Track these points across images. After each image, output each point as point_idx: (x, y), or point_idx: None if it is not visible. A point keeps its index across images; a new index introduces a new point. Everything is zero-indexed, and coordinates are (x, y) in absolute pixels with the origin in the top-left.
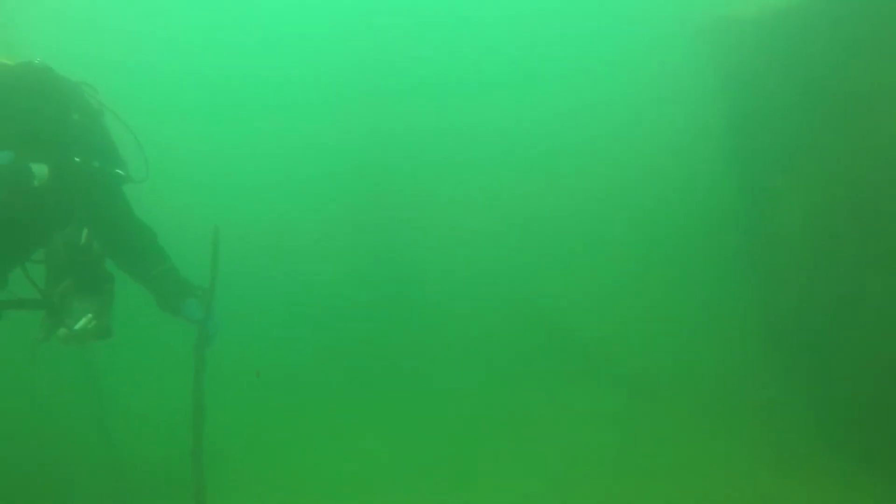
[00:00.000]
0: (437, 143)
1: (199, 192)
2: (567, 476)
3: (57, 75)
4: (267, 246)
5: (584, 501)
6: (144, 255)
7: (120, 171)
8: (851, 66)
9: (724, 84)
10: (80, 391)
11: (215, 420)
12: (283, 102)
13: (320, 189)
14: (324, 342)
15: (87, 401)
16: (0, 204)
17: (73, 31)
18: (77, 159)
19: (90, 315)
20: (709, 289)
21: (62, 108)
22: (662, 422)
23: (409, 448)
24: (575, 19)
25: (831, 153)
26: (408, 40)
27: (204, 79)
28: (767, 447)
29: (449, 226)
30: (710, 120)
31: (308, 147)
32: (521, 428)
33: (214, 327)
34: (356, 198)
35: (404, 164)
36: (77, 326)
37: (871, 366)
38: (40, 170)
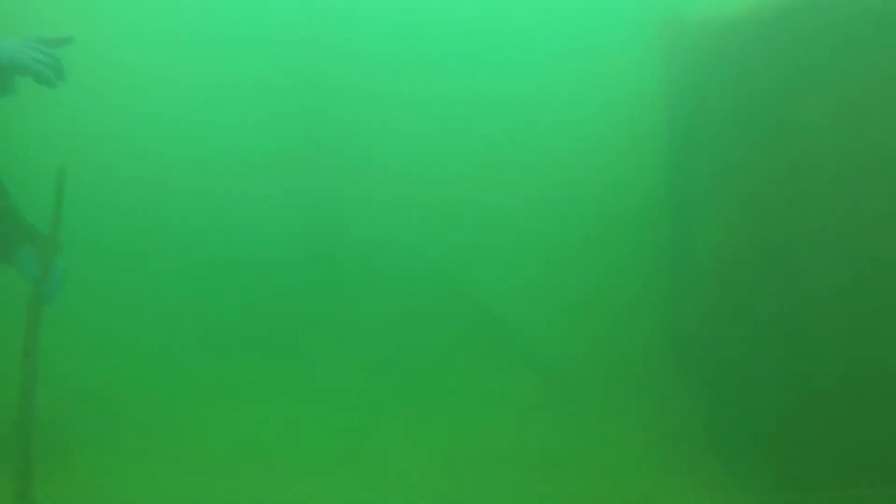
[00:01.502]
0: (376, 112)
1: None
2: (459, 457)
3: None
4: (185, 190)
5: (476, 483)
6: None
7: None
8: (784, 98)
9: (669, 89)
10: None
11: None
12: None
13: (248, 139)
14: (241, 297)
15: None
16: None
17: None
18: None
19: None
20: (627, 290)
21: None
22: (567, 411)
23: (311, 414)
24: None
25: (751, 179)
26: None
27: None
28: (660, 445)
29: (381, 196)
30: (652, 124)
31: (233, 98)
32: (425, 402)
33: (52, 286)
34: (287, 154)
35: (340, 128)
36: None
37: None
38: None
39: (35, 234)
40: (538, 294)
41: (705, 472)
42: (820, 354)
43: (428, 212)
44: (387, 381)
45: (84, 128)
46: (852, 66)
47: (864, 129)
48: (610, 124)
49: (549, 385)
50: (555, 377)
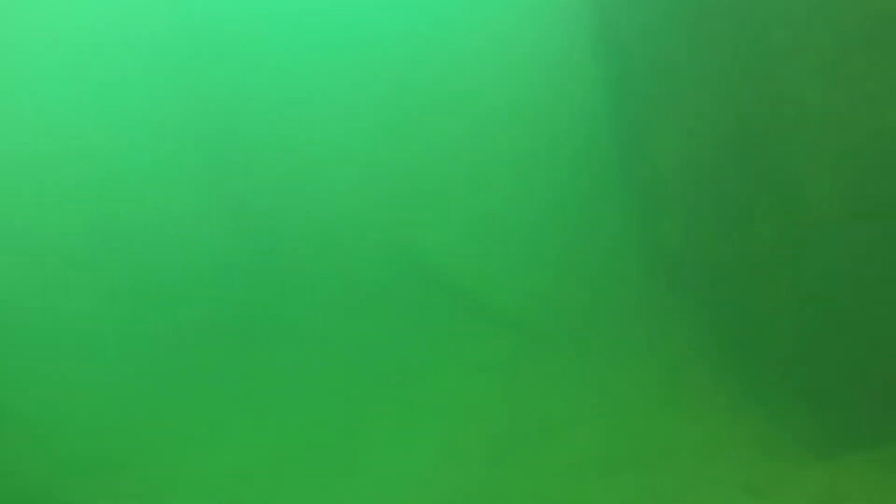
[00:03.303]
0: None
1: None
2: (459, 442)
3: None
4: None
5: (481, 470)
6: None
7: None
8: None
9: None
10: None
11: None
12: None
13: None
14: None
15: None
16: None
17: None
18: None
19: None
20: (588, 222)
21: None
22: (552, 367)
23: (274, 425)
24: None
25: (713, 77)
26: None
27: None
28: (662, 383)
29: (304, 165)
30: (580, 40)
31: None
32: (400, 389)
33: None
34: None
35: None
36: None
37: (754, 294)
38: None
39: None
40: (502, 251)
41: (722, 402)
42: (829, 260)
43: (368, 176)
44: (360, 373)
45: None
46: None
47: None
48: (534, 44)
49: (531, 342)
50: (536, 332)
